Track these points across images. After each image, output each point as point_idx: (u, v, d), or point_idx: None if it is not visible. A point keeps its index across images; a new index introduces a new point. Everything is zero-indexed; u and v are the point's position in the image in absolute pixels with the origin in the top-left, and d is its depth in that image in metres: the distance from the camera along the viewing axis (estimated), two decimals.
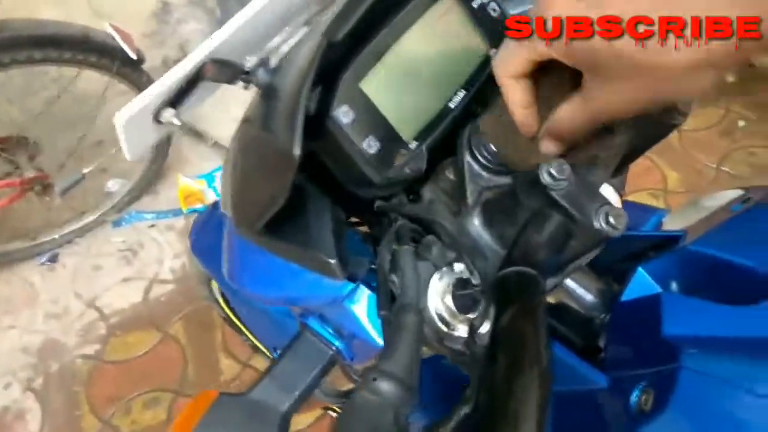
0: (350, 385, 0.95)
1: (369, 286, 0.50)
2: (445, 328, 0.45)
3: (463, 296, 0.44)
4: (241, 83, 0.51)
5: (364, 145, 0.46)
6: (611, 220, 0.41)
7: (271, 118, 0.46)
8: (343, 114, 0.45)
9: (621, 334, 0.53)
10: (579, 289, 0.60)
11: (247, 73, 0.50)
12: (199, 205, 1.99)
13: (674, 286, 0.56)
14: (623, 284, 0.59)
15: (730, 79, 2.08)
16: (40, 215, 1.89)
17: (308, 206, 0.49)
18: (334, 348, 0.55)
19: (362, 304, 0.49)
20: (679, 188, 1.90)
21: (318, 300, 0.49)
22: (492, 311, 0.36)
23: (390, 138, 0.47)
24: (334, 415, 1.45)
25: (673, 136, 2.08)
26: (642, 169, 1.78)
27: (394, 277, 0.47)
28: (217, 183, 2.03)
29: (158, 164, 1.98)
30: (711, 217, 0.59)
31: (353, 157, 0.46)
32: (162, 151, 1.94)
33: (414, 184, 0.55)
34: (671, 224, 0.67)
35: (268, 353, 1.51)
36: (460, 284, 0.46)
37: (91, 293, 1.84)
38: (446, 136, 0.51)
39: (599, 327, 0.59)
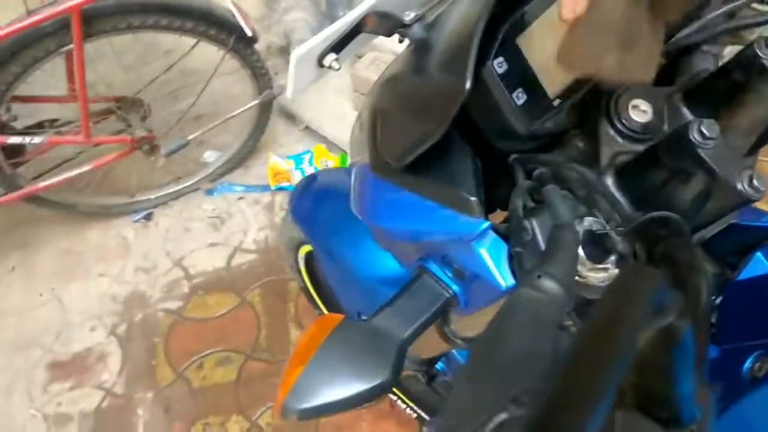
0: (433, 354, 0.98)
1: (496, 232, 0.53)
2: (576, 278, 0.48)
3: (597, 243, 0.46)
4: (396, 37, 0.55)
5: (514, 96, 0.49)
6: (755, 182, 0.43)
7: (429, 66, 0.50)
8: (498, 65, 0.49)
9: (735, 309, 0.55)
10: None
11: (405, 26, 0.54)
12: (286, 184, 2.07)
13: None
14: (736, 273, 0.60)
15: None
16: (141, 175, 2.01)
17: (452, 151, 0.53)
18: (450, 291, 0.58)
19: (489, 246, 0.52)
20: None
21: (450, 236, 0.53)
22: (639, 248, 0.39)
23: (537, 93, 0.50)
24: (394, 397, 1.49)
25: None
26: None
27: (525, 223, 0.50)
28: (305, 165, 2.11)
29: (253, 142, 2.07)
30: None
31: (502, 107, 0.49)
32: (258, 130, 2.04)
33: (542, 150, 0.58)
34: None
35: None
36: (590, 237, 0.49)
37: (179, 253, 1.94)
38: (587, 100, 0.54)
39: (711, 308, 0.60)
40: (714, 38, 0.56)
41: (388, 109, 0.57)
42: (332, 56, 0.55)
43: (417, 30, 0.54)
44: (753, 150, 0.54)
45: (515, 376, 0.32)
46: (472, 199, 0.49)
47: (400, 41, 0.57)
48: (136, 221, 2.04)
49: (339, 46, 0.56)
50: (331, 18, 2.35)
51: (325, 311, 1.55)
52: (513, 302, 0.36)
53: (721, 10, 0.58)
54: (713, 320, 0.58)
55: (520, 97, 0.49)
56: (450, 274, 0.58)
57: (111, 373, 1.73)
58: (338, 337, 0.54)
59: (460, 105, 0.44)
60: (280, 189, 2.08)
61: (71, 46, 1.49)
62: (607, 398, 0.23)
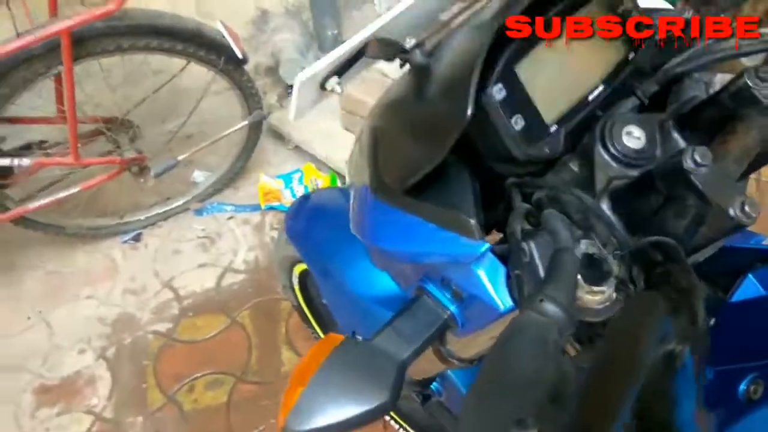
0: (428, 375, 0.98)
1: (494, 253, 0.54)
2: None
3: (594, 266, 0.47)
4: (398, 62, 0.57)
5: (512, 121, 0.50)
6: (746, 208, 0.44)
7: (430, 92, 0.51)
8: (497, 91, 0.50)
9: (730, 331, 0.56)
10: None
11: (406, 51, 0.55)
12: (276, 203, 2.07)
13: None
14: (728, 294, 0.61)
15: None
16: (129, 196, 2.00)
17: (451, 175, 0.54)
18: (448, 312, 0.59)
19: (488, 268, 0.53)
20: None
21: (450, 257, 0.54)
22: (637, 272, 0.40)
23: (534, 119, 0.52)
24: (387, 417, 1.48)
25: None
26: None
27: (524, 246, 0.51)
28: (294, 184, 2.12)
29: (242, 162, 2.07)
30: None
31: (500, 132, 0.51)
32: (247, 150, 2.04)
33: (537, 173, 0.59)
34: None
35: None
36: (587, 260, 0.50)
37: (169, 274, 1.93)
38: (580, 127, 0.55)
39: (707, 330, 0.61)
40: (703, 67, 0.58)
41: (388, 132, 0.58)
42: (335, 79, 0.57)
43: (418, 56, 0.56)
44: (744, 176, 0.55)
45: (520, 397, 0.33)
46: (472, 221, 0.50)
47: (401, 66, 0.58)
48: (125, 242, 2.02)
49: (341, 70, 0.57)
50: (319, 38, 2.37)
51: (318, 331, 1.55)
52: (518, 325, 0.36)
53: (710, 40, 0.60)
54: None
55: (518, 122, 0.51)
56: (448, 296, 0.59)
57: (100, 397, 1.70)
58: (338, 357, 0.54)
59: (461, 131, 0.45)
60: (270, 209, 2.08)
61: (61, 68, 1.49)
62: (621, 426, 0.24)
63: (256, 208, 2.08)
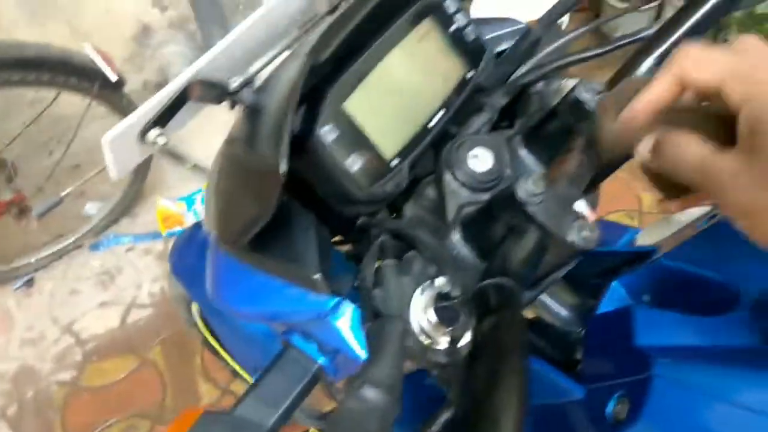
0: (332, 406, 0.95)
1: (353, 301, 0.51)
2: (427, 341, 0.46)
3: (445, 308, 0.45)
4: (226, 104, 0.52)
5: (347, 163, 0.47)
6: (584, 233, 0.43)
7: (256, 137, 0.47)
8: (327, 133, 0.46)
9: (597, 346, 0.55)
10: (555, 305, 0.62)
11: (233, 93, 0.51)
12: (178, 228, 1.98)
13: (646, 298, 0.58)
14: (598, 299, 0.61)
15: None
16: (16, 239, 1.86)
17: (293, 223, 0.50)
18: (317, 364, 0.55)
19: (346, 319, 0.50)
20: (653, 209, 1.95)
21: (302, 315, 0.50)
22: (472, 321, 0.38)
23: (372, 156, 0.48)
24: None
25: None
26: (618, 191, 1.82)
27: (377, 292, 0.48)
28: (197, 206, 2.03)
29: (137, 187, 1.96)
30: (680, 233, 0.61)
31: (336, 175, 0.47)
32: (141, 174, 1.93)
33: (397, 201, 0.56)
34: (644, 240, 0.70)
35: (247, 377, 1.50)
36: (441, 298, 0.47)
37: (68, 318, 1.81)
38: (427, 154, 0.53)
39: (575, 341, 0.60)
40: (546, 76, 0.57)
41: (224, 178, 0.53)
42: (156, 131, 0.51)
43: (246, 95, 0.51)
44: (589, 189, 0.54)
45: None
46: (315, 277, 0.46)
47: (231, 108, 0.53)
48: (17, 289, 1.88)
49: (162, 119, 0.51)
50: (209, 49, 2.27)
51: (232, 363, 1.48)
52: (335, 418, 0.33)
53: (552, 47, 0.59)
54: (578, 356, 0.58)
55: (354, 162, 0.47)
56: (315, 347, 0.55)
57: None
58: None
59: (279, 189, 0.41)
60: (173, 235, 1.98)
61: None
62: None
63: (157, 235, 1.98)
